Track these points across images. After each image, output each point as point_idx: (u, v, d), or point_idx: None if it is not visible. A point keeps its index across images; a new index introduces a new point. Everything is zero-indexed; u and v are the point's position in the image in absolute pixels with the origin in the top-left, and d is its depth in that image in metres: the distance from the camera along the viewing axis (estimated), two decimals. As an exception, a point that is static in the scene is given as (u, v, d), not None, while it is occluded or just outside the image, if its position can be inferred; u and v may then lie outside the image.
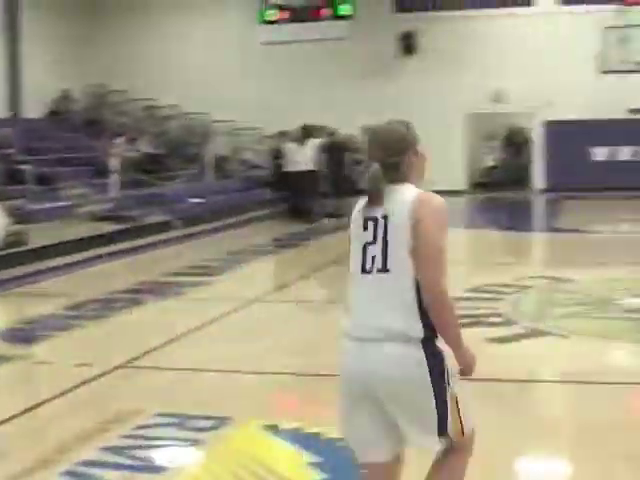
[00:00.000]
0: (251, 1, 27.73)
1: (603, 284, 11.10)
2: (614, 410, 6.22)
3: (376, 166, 3.63)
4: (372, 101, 27.78)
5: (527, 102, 27.97)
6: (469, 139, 29.92)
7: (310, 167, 20.56)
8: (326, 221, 19.82)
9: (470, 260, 15.53)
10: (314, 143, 20.96)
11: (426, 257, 3.51)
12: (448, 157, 27.85)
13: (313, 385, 7.15)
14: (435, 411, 3.48)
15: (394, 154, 3.69)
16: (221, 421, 6.02)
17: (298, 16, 26.82)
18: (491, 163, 30.84)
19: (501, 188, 29.03)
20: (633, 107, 27.18)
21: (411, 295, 3.49)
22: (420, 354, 3.46)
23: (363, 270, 3.59)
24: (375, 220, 3.59)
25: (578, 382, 7.19)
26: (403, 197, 3.58)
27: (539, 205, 26.93)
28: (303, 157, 20.66)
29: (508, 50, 28.08)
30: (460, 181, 29.38)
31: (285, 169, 21.21)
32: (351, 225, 3.71)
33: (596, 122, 27.13)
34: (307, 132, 21.32)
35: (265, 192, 23.42)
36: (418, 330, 3.47)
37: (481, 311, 9.49)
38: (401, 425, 3.53)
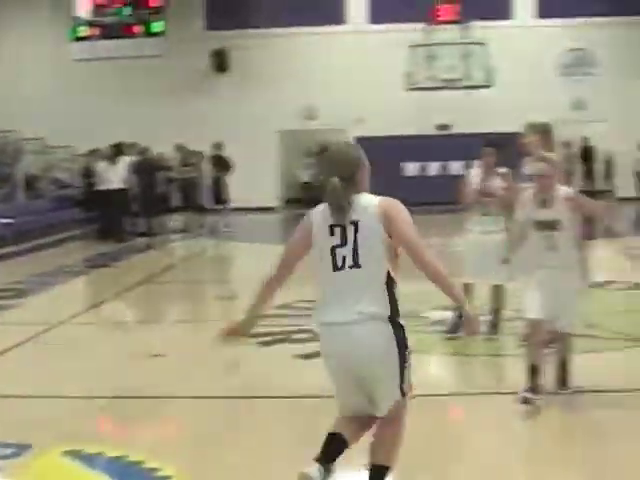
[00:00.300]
0: (63, 17, 27.18)
1: (410, 297, 11.31)
2: (425, 422, 6.34)
3: (336, 180, 4.47)
4: (186, 118, 27.77)
5: (338, 119, 28.44)
6: (283, 156, 30.18)
7: (121, 185, 20.22)
8: (138, 240, 19.58)
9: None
10: (125, 161, 20.63)
11: (409, 247, 4.37)
12: (261, 174, 28.07)
13: (117, 408, 7.04)
14: (399, 375, 4.43)
15: (351, 170, 4.57)
16: (21, 448, 5.84)
17: (110, 33, 26.49)
18: (306, 179, 31.10)
19: (314, 204, 29.34)
20: (440, 123, 28.02)
21: (380, 283, 4.38)
22: (389, 328, 4.38)
23: (335, 268, 4.41)
24: (342, 226, 4.41)
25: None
26: (367, 205, 4.44)
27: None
28: (114, 175, 20.30)
29: (319, 67, 28.51)
30: (274, 197, 29.60)
31: (96, 188, 20.82)
32: (314, 232, 4.53)
33: (406, 138, 27.83)
34: (118, 150, 20.98)
35: (76, 211, 22.95)
36: (386, 310, 4.37)
37: (289, 328, 9.57)
38: (371, 388, 4.46)
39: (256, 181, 27.65)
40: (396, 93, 27.33)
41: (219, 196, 22.04)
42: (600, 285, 11.67)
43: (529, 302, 6.45)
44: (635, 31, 28.42)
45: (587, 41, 28.92)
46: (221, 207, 22.15)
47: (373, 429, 4.63)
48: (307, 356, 8.32)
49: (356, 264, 4.37)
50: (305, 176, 30.86)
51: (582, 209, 6.64)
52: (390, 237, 4.38)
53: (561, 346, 6.61)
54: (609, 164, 30.23)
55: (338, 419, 4.68)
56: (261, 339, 9.12)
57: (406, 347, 4.46)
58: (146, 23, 26.83)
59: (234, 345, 4.79)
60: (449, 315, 9.11)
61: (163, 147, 22.62)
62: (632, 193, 28.93)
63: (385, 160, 27.91)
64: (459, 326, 8.83)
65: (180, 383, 7.62)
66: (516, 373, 6.73)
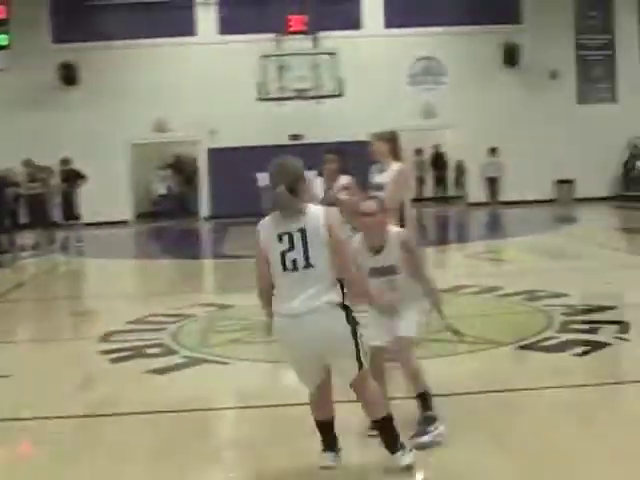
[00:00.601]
0: None
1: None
2: (273, 431, 6.32)
3: (283, 188, 5.15)
4: (34, 133, 27.24)
5: (191, 130, 28.33)
6: (136, 169, 29.84)
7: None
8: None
9: (135, 291, 15.39)
10: (-30, 177, 20.00)
11: (339, 250, 5.14)
12: (113, 188, 27.71)
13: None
14: (355, 350, 5.18)
15: (296, 181, 5.22)
16: None
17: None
18: (162, 192, 30.79)
19: (168, 217, 29.13)
20: (292, 133, 28.16)
21: (331, 278, 5.14)
22: (342, 313, 5.15)
23: (285, 269, 5.12)
24: (289, 234, 5.13)
25: (238, 407, 7.29)
26: (313, 213, 5.17)
27: (205, 233, 27.24)
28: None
29: (171, 79, 28.33)
30: (127, 211, 29.23)
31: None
32: (262, 242, 5.23)
33: (260, 149, 27.82)
34: (-37, 166, 20.36)
35: None
36: (339, 298, 5.16)
37: (142, 343, 9.40)
38: (334, 363, 5.26)
39: (108, 195, 27.28)
40: (249, 104, 27.35)
41: (70, 211, 21.60)
42: (451, 290, 11.89)
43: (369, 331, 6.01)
44: (481, 40, 29.19)
45: (435, 50, 29.57)
46: (72, 222, 21.71)
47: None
48: (161, 371, 8.22)
49: (308, 264, 5.10)
50: (161, 188, 30.53)
51: (409, 262, 6.09)
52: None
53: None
54: (460, 170, 31.01)
55: (313, 403, 5.52)
56: (114, 355, 8.96)
57: (357, 323, 5.22)
58: (-11, 36, 26.23)
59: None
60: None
61: (10, 163, 21.97)
62: (482, 198, 29.72)
63: (240, 171, 27.98)
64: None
65: (31, 404, 7.38)
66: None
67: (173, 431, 6.52)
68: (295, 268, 5.11)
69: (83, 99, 28.56)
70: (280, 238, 5.16)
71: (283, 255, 5.14)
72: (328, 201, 8.84)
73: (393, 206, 7.58)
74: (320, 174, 9.35)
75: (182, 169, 30.92)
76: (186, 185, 30.95)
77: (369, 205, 6.06)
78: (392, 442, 5.33)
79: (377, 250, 6.04)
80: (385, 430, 5.35)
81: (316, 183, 9.15)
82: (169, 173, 30.57)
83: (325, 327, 5.11)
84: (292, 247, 5.12)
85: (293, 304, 5.12)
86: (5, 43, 26.14)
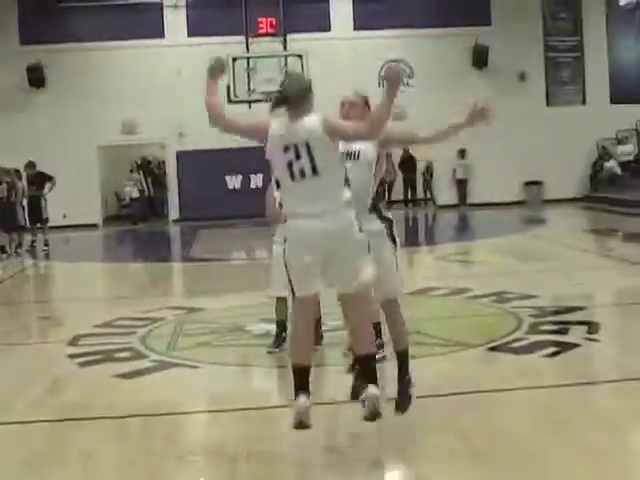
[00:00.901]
0: None
1: (233, 311, 11.29)
2: (243, 434, 6.29)
3: (297, 89, 5.57)
4: (2, 135, 26.99)
5: (159, 133, 28.26)
6: (105, 172, 29.72)
7: None
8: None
9: (103, 295, 15.29)
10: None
11: (349, 133, 5.57)
12: (82, 191, 27.56)
13: None
14: (361, 259, 5.51)
15: (309, 89, 5.65)
16: None
17: None
18: (135, 195, 30.33)
19: (137, 220, 29.01)
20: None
21: (340, 183, 5.49)
22: (351, 214, 5.49)
23: (293, 179, 5.47)
24: (295, 145, 5.42)
25: (208, 411, 7.26)
26: (313, 122, 5.47)
27: (174, 235, 27.16)
28: None
29: (138, 81, 28.24)
30: (95, 214, 29.08)
31: None
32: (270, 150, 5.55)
33: (229, 151, 27.77)
34: None
35: None
36: (346, 201, 5.47)
37: (111, 347, 9.34)
38: (334, 270, 5.51)
39: (76, 198, 27.11)
40: (218, 106, 27.21)
41: (38, 214, 21.44)
42: (420, 292, 11.91)
43: None
44: (450, 43, 29.29)
45: (404, 52, 29.60)
46: (40, 226, 21.56)
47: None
48: (130, 375, 8.17)
49: (315, 173, 5.43)
50: (134, 192, 30.02)
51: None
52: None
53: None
54: (429, 173, 31.09)
55: (295, 342, 5.75)
56: (82, 359, 8.90)
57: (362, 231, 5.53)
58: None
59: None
60: (272, 328, 9.08)
61: (-23, 165, 21.80)
62: (452, 200, 29.83)
63: (209, 174, 27.94)
64: (282, 341, 8.82)
65: (-3, 409, 7.32)
66: (338, 384, 6.77)
67: (143, 435, 6.48)
68: (303, 176, 5.45)
69: (51, 101, 28.40)
70: (286, 149, 5.47)
71: (290, 165, 5.47)
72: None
73: None
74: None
75: (151, 171, 30.76)
76: (156, 188, 30.80)
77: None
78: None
79: None
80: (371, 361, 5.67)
81: (273, 187, 8.97)
82: (140, 176, 30.30)
83: (335, 227, 5.42)
84: (298, 157, 5.45)
85: (300, 207, 5.47)
86: (-29, 45, 26.02)
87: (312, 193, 5.46)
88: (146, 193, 30.51)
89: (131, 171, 30.07)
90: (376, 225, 6.09)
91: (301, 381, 5.63)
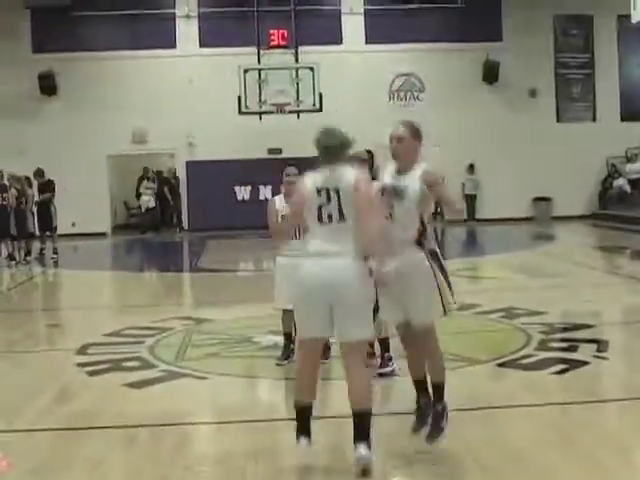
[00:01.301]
0: None
1: (241, 322, 11.29)
2: (251, 446, 6.28)
3: (335, 143, 5.86)
4: (14, 142, 27.05)
5: (169, 142, 28.31)
6: (114, 181, 29.78)
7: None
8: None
9: (113, 303, 15.33)
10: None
11: (360, 211, 5.69)
12: (92, 199, 27.60)
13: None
14: (366, 307, 5.75)
15: (346, 144, 5.96)
16: None
17: None
18: (150, 205, 29.78)
19: (147, 229, 29.01)
20: (271, 147, 28.15)
21: (353, 232, 5.68)
22: (358, 264, 5.65)
23: (320, 221, 5.76)
24: (327, 190, 5.73)
25: (217, 422, 7.26)
26: (347, 175, 5.77)
27: (184, 245, 27.17)
28: None
29: (150, 91, 28.29)
30: (105, 223, 29.12)
31: None
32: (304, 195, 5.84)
33: (239, 162, 27.83)
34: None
35: None
36: (356, 251, 5.65)
37: (119, 356, 9.36)
38: (340, 319, 5.65)
39: (86, 206, 27.14)
40: (228, 117, 27.37)
41: (47, 222, 21.46)
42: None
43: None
44: (461, 58, 29.29)
45: (415, 67, 29.67)
46: (49, 234, 21.59)
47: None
48: (138, 384, 8.18)
49: (342, 218, 5.71)
50: (150, 202, 29.42)
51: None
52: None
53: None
54: (437, 187, 31.00)
55: (300, 381, 5.90)
56: (91, 368, 8.92)
57: (370, 280, 5.71)
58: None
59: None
60: (280, 340, 9.08)
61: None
62: (461, 215, 29.73)
63: (218, 184, 27.96)
64: (290, 353, 8.84)
65: (6, 416, 7.31)
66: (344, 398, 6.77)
67: (151, 445, 6.48)
68: (330, 220, 5.73)
69: (62, 109, 28.45)
70: (319, 192, 5.76)
71: (320, 208, 5.75)
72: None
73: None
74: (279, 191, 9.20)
75: (168, 181, 30.41)
76: (163, 197, 30.56)
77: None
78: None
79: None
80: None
81: (277, 201, 9.02)
82: (155, 185, 29.87)
83: (343, 273, 5.62)
84: (329, 201, 5.73)
85: (318, 247, 5.72)
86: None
87: (334, 236, 5.71)
88: (163, 203, 29.96)
89: (147, 179, 29.69)
90: (418, 257, 6.05)
91: (300, 423, 5.78)
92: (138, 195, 29.63)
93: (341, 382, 7.72)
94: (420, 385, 6.26)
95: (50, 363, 9.72)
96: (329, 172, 5.80)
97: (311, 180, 5.87)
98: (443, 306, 6.14)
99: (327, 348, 8.61)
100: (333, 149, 5.86)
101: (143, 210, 29.43)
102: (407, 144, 6.18)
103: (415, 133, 6.26)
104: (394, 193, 6.04)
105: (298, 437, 5.74)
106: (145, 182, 29.46)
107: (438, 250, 6.21)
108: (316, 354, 5.90)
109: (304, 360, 5.93)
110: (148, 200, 29.19)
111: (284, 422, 6.75)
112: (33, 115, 28.30)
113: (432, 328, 6.17)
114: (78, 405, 7.67)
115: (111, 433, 6.84)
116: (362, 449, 5.51)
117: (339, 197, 5.70)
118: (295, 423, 5.80)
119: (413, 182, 6.02)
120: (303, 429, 5.74)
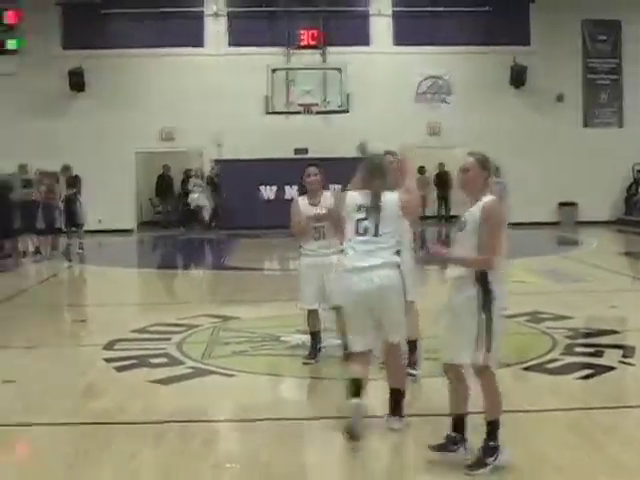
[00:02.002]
0: None
1: (269, 321, 11.34)
2: (283, 446, 6.33)
3: (377, 179, 6.67)
4: (43, 138, 27.21)
5: (196, 141, 28.40)
6: (141, 177, 29.89)
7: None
8: None
9: (139, 300, 15.41)
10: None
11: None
12: (119, 196, 27.71)
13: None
14: (400, 315, 6.58)
15: (389, 174, 6.79)
16: None
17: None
18: (200, 202, 29.27)
19: (172, 226, 29.08)
20: (298, 147, 28.17)
21: (393, 245, 6.55)
22: (397, 272, 6.52)
23: (357, 234, 6.54)
24: (367, 207, 6.54)
25: (244, 420, 7.30)
26: (391, 197, 6.61)
27: (211, 243, 27.23)
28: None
29: (178, 89, 28.35)
30: (131, 220, 29.24)
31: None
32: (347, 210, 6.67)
33: (265, 162, 27.85)
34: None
35: None
36: (396, 260, 6.53)
37: (147, 352, 9.43)
38: (384, 324, 6.53)
39: (113, 203, 27.27)
40: (255, 116, 27.46)
41: (73, 218, 21.57)
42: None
43: None
44: (489, 61, 29.25)
45: (443, 69, 29.64)
46: (75, 229, 21.70)
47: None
48: (166, 381, 8.25)
49: (377, 234, 6.50)
50: (201, 199, 29.05)
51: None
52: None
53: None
54: (463, 190, 30.93)
55: (353, 366, 6.58)
56: (118, 363, 8.99)
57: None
58: (2, 40, 26.43)
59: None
60: (307, 339, 9.14)
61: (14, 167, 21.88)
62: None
63: (243, 183, 28.00)
64: (317, 352, 8.91)
65: (35, 410, 7.39)
66: (370, 397, 6.82)
67: (179, 442, 6.54)
68: (364, 234, 6.50)
69: (91, 106, 28.55)
70: (359, 208, 6.56)
71: (359, 222, 6.52)
72: (315, 217, 8.73)
73: None
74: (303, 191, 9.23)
75: (211, 180, 30.01)
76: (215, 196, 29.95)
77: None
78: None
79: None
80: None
81: (300, 202, 9.06)
82: (204, 183, 29.47)
83: (383, 282, 6.40)
84: (367, 217, 6.51)
85: (357, 261, 6.47)
86: (16, 48, 26.31)
87: (370, 249, 6.48)
88: (212, 202, 29.57)
89: (195, 176, 29.38)
90: (470, 293, 5.89)
91: (354, 390, 6.45)
92: (185, 193, 29.44)
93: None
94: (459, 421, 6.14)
95: (78, 358, 9.82)
96: (377, 188, 6.61)
97: (357, 195, 6.66)
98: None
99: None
100: (383, 181, 6.66)
101: (192, 207, 29.07)
102: (473, 174, 6.05)
103: (483, 164, 6.09)
104: (457, 227, 6.07)
105: (350, 399, 6.39)
106: (193, 179, 29.24)
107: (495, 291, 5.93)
108: (367, 359, 6.69)
109: (357, 364, 6.61)
110: (197, 197, 28.91)
111: (311, 421, 6.81)
112: (62, 111, 28.46)
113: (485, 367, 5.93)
114: (106, 400, 7.74)
115: (139, 429, 6.92)
116: (395, 422, 6.54)
117: (378, 214, 6.52)
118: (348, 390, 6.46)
119: (473, 215, 5.93)
120: (355, 394, 6.39)
